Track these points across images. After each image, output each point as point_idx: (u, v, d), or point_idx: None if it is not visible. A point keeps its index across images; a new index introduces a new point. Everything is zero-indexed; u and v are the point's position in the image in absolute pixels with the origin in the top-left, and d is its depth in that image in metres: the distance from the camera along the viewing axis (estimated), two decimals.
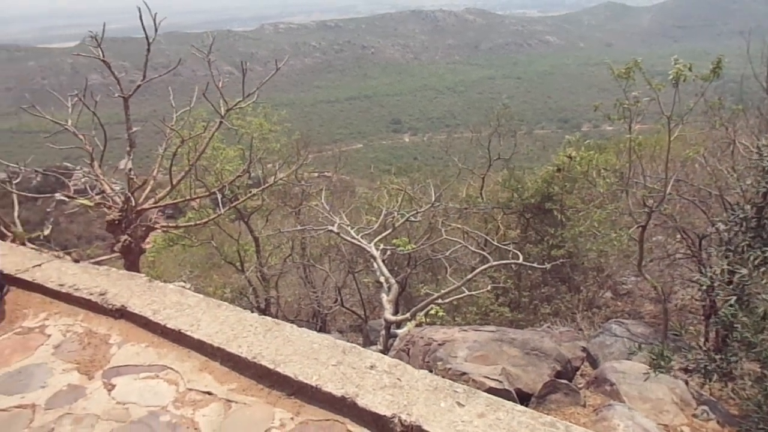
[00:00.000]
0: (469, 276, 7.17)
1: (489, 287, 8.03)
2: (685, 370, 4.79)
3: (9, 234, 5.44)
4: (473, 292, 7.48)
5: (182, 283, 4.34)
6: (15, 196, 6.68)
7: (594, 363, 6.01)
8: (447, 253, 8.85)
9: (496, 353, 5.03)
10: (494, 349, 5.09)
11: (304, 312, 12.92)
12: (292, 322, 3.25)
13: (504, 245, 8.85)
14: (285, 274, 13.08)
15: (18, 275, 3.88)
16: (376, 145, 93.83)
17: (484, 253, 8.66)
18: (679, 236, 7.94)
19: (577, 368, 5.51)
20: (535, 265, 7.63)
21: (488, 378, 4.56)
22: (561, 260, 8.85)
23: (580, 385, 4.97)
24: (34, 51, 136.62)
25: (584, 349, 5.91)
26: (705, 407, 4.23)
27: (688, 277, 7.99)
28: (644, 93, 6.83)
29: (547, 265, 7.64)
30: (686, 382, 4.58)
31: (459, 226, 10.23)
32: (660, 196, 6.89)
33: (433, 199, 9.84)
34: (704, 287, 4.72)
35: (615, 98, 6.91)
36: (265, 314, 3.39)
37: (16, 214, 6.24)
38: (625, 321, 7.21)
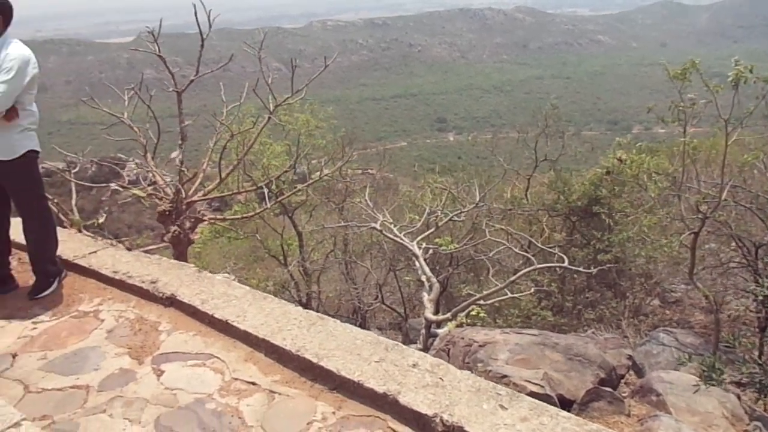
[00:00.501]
0: (513, 278, 7.09)
1: (532, 290, 7.92)
2: (738, 384, 4.62)
3: (67, 221, 5.66)
4: (516, 295, 7.40)
5: (226, 275, 4.43)
6: (73, 185, 6.94)
7: (640, 372, 5.85)
8: (490, 254, 8.77)
9: (538, 357, 4.95)
10: (536, 352, 5.01)
11: (345, 308, 13.01)
12: (333, 317, 3.28)
13: (549, 248, 8.71)
14: (327, 269, 13.20)
15: (75, 261, 4.04)
16: (420, 144, 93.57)
17: (528, 255, 8.55)
18: (733, 244, 7.66)
19: (622, 376, 5.38)
20: (580, 269, 7.49)
21: (529, 382, 4.49)
22: (607, 265, 8.65)
23: (624, 394, 4.85)
24: (92, 46, 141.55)
25: (630, 357, 5.76)
26: (758, 423, 4.07)
27: (743, 286, 7.69)
28: (701, 95, 6.61)
29: (594, 270, 7.49)
30: (738, 397, 4.41)
31: (503, 227, 10.12)
32: (715, 203, 6.66)
33: (477, 200, 9.76)
34: (760, 298, 4.54)
35: (669, 100, 6.70)
36: (306, 308, 3.43)
37: (73, 202, 6.49)
38: (674, 330, 6.99)
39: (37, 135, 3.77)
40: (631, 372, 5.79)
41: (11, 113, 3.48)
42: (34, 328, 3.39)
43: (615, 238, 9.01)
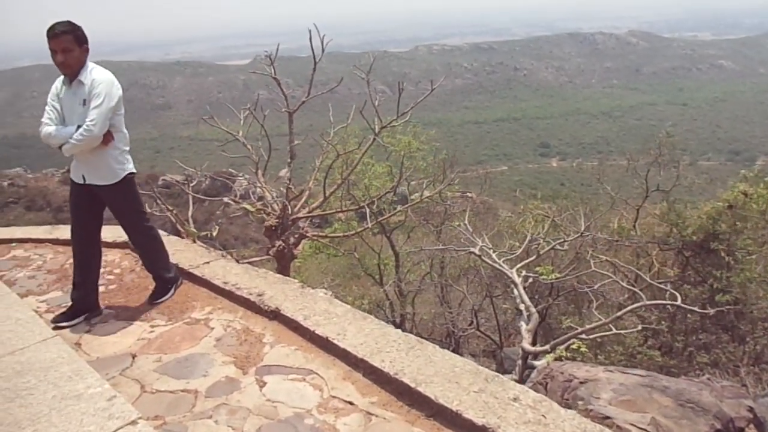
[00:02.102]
0: (619, 313, 6.72)
1: (639, 327, 7.48)
2: None
3: (183, 231, 6.04)
4: (621, 331, 7.01)
5: (324, 290, 4.53)
6: (190, 198, 7.41)
7: (761, 426, 5.32)
8: (594, 287, 8.38)
9: (645, 400, 4.64)
10: (643, 395, 4.70)
11: (438, 331, 12.90)
12: (426, 339, 3.26)
13: (658, 283, 8.20)
14: (422, 291, 13.17)
15: (190, 270, 4.30)
16: (521, 169, 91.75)
17: (635, 290, 8.08)
18: None
19: (741, 430, 4.92)
20: (695, 309, 6.97)
21: (635, 426, 4.22)
22: (726, 306, 8.00)
23: None
24: (213, 67, 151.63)
25: (751, 409, 5.26)
26: None
27: None
28: None
29: (711, 311, 6.95)
30: None
31: (608, 258, 9.65)
32: None
33: (582, 229, 9.39)
34: None
35: None
36: (399, 329, 3.43)
37: (190, 213, 6.92)
38: None
39: (131, 156, 4.02)
40: (752, 426, 5.29)
41: (107, 137, 3.69)
42: (152, 331, 3.63)
43: (736, 278, 8.32)
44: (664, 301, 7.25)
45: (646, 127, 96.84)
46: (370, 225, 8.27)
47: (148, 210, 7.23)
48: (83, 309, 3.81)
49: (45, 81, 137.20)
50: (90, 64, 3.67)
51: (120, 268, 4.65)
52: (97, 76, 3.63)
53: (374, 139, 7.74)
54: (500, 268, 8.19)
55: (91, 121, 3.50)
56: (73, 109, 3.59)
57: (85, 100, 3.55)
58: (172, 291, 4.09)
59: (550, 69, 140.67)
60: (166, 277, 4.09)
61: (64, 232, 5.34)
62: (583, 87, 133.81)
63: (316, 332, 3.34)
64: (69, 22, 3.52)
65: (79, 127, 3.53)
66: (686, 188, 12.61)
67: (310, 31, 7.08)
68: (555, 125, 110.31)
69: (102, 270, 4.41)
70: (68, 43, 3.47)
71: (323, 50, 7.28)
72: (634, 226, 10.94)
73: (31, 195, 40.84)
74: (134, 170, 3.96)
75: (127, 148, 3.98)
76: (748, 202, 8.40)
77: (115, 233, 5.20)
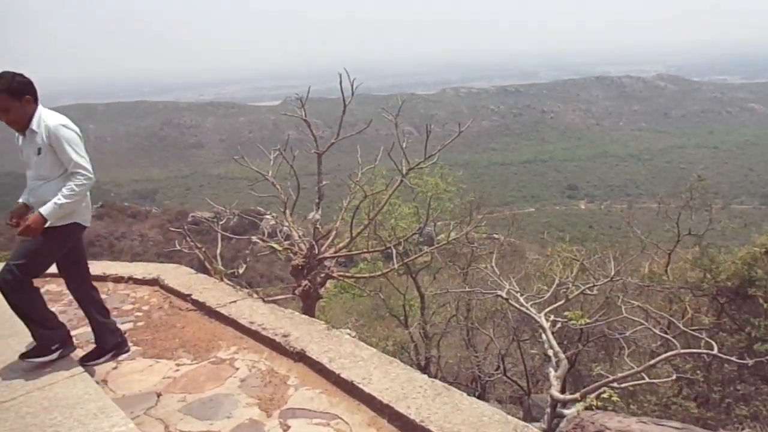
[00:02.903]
0: (651, 362, 6.50)
1: (673, 377, 7.21)
2: None
3: (211, 269, 6.10)
4: (654, 380, 6.78)
5: (348, 331, 4.50)
6: (219, 235, 7.50)
7: None
8: (626, 333, 8.16)
9: None
10: None
11: (464, 376, 12.64)
12: (451, 384, 3.18)
13: (693, 331, 7.95)
14: (448, 334, 12.98)
15: (218, 309, 4.31)
16: (549, 210, 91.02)
17: (668, 338, 7.84)
18: None
19: None
20: (732, 358, 6.71)
21: None
22: (766, 357, 7.69)
23: None
24: (244, 108, 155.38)
25: None
26: None
27: None
28: None
29: (749, 361, 6.68)
30: None
31: (640, 304, 9.41)
32: None
33: (612, 273, 9.21)
34: None
35: None
36: (424, 372, 3.37)
37: (218, 250, 6.99)
38: None
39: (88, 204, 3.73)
40: None
41: None
42: (177, 370, 3.63)
43: None
44: (699, 350, 7.01)
45: (676, 170, 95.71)
46: (396, 266, 8.24)
47: (177, 246, 7.36)
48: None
49: (85, 120, 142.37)
50: (40, 111, 3.51)
51: (149, 305, 4.69)
52: (49, 122, 3.44)
53: (401, 180, 7.79)
54: (528, 312, 8.04)
55: (77, 168, 3.42)
56: (31, 158, 3.48)
57: (40, 149, 3.41)
58: (107, 357, 3.76)
59: (578, 112, 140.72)
60: (105, 337, 3.78)
61: (97, 267, 5.43)
62: (611, 130, 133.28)
63: (342, 376, 3.30)
64: (2, 78, 3.35)
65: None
66: (719, 232, 12.32)
67: (340, 75, 7.24)
68: (583, 167, 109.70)
69: (131, 306, 4.46)
70: (4, 102, 3.33)
71: (353, 93, 7.42)
72: (666, 271, 10.71)
73: None
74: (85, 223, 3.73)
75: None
76: None
77: (145, 270, 5.27)
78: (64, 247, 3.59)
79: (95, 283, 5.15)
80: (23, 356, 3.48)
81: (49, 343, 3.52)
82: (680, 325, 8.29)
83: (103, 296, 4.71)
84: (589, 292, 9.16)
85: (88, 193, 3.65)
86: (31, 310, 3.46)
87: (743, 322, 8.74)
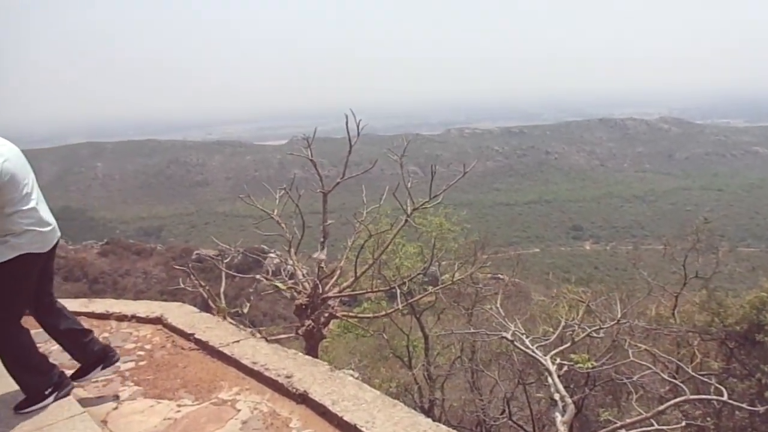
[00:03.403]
0: (661, 407, 6.39)
1: (683, 423, 7.07)
2: None
3: (215, 307, 6.07)
4: (663, 427, 6.63)
5: (351, 372, 4.45)
6: (223, 273, 7.49)
7: None
8: (633, 378, 8.02)
9: None
10: None
11: (468, 419, 12.40)
12: (455, 428, 3.13)
13: (702, 376, 7.81)
14: (452, 376, 12.79)
15: (221, 348, 4.28)
16: (554, 251, 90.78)
17: (677, 383, 7.70)
18: None
19: None
20: (743, 405, 6.59)
21: None
22: None
23: None
24: (251, 147, 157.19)
25: None
26: None
27: None
28: None
29: (760, 408, 6.55)
30: None
31: (647, 348, 9.29)
32: None
33: (619, 315, 9.11)
34: None
35: None
36: (428, 416, 3.31)
37: (222, 289, 6.97)
38: None
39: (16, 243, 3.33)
40: None
41: None
42: (179, 411, 3.58)
43: None
44: (709, 396, 6.91)
45: (682, 212, 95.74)
46: (400, 306, 8.20)
47: (181, 284, 7.35)
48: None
49: (93, 158, 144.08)
50: None
51: (151, 344, 4.66)
52: None
53: (406, 219, 7.82)
54: (533, 354, 7.94)
55: None
56: None
57: None
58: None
59: (582, 153, 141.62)
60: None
61: (100, 305, 5.42)
62: (615, 171, 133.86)
63: (344, 418, 3.25)
64: None
65: None
66: (727, 276, 12.26)
67: (346, 116, 7.36)
68: (587, 208, 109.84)
69: (133, 346, 4.43)
70: None
71: (359, 133, 7.52)
72: (674, 314, 10.60)
73: (69, 266, 41.90)
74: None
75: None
76: None
77: (148, 308, 5.25)
78: (22, 282, 3.38)
79: (98, 321, 5.15)
80: (17, 408, 3.36)
81: (40, 388, 3.42)
82: (689, 370, 8.16)
83: (105, 335, 4.70)
84: (595, 334, 9.04)
85: (38, 220, 3.42)
86: (10, 356, 3.36)
87: (753, 367, 8.61)
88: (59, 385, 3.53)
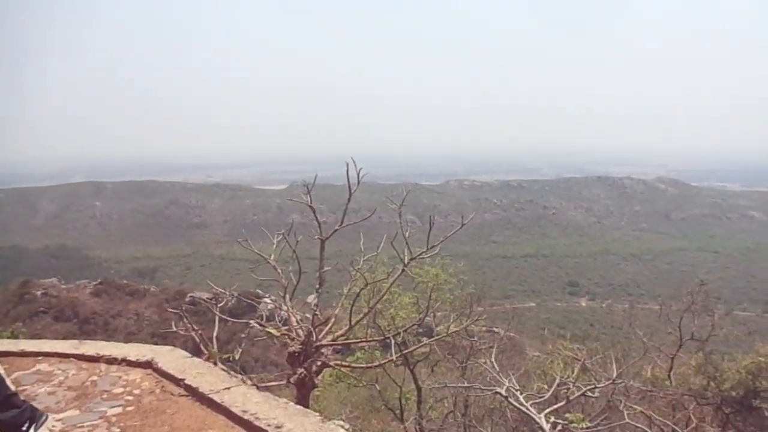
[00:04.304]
0: None
1: None
2: None
3: (206, 352, 6.01)
4: None
5: (342, 423, 4.37)
6: (217, 318, 7.43)
7: None
8: None
9: None
10: None
11: None
12: None
13: None
14: (444, 431, 12.53)
15: (210, 395, 4.22)
16: (549, 306, 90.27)
17: None
18: None
19: None
20: None
21: None
22: None
23: None
24: (251, 191, 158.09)
25: None
26: None
27: None
28: None
29: None
30: None
31: (643, 410, 9.16)
32: None
33: (614, 375, 9.02)
34: None
35: None
36: None
37: (215, 333, 6.90)
38: None
39: None
40: None
41: None
42: None
43: None
44: None
45: (678, 273, 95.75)
46: (394, 357, 8.10)
47: (173, 327, 7.28)
48: None
49: (93, 197, 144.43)
50: None
51: (140, 389, 4.59)
52: None
53: (403, 269, 7.82)
54: (528, 412, 7.82)
55: None
56: None
57: None
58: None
59: (579, 209, 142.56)
60: None
61: (90, 347, 5.37)
62: (612, 228, 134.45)
63: None
64: None
65: None
66: (722, 339, 12.17)
67: (347, 164, 7.45)
68: (584, 264, 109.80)
69: (121, 390, 4.38)
70: None
71: (359, 181, 7.60)
72: (669, 376, 10.49)
73: (61, 305, 41.41)
74: None
75: None
76: None
77: (139, 351, 5.20)
78: None
79: (87, 364, 5.09)
80: None
81: (18, 423, 3.44)
82: None
83: (94, 378, 4.64)
84: (590, 394, 8.93)
85: None
86: None
87: None
88: (34, 419, 3.55)
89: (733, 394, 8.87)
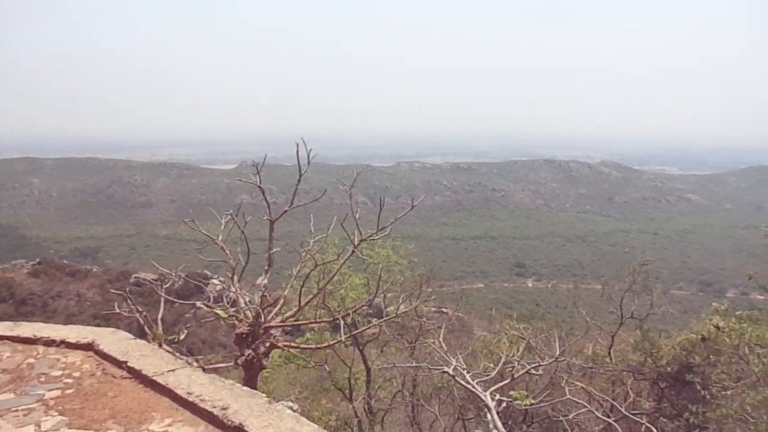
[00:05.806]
0: None
1: None
2: None
3: (150, 334, 5.85)
4: None
5: (290, 404, 4.35)
6: (162, 299, 7.24)
7: None
8: (569, 416, 8.16)
9: None
10: None
11: None
12: None
13: (634, 415, 8.02)
14: (392, 410, 12.68)
15: (154, 377, 4.12)
16: (497, 287, 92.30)
17: (610, 421, 7.88)
18: None
19: None
20: None
21: None
22: None
23: None
24: (198, 170, 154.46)
25: None
26: None
27: None
28: None
29: None
30: None
31: (583, 386, 9.48)
32: None
33: (557, 353, 9.29)
34: None
35: None
36: None
37: (160, 315, 6.72)
38: None
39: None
40: None
41: None
42: None
43: (712, 414, 8.19)
44: None
45: (620, 254, 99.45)
46: (343, 337, 8.10)
47: (116, 308, 7.06)
48: None
49: (29, 173, 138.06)
50: None
51: (80, 372, 4.44)
52: None
53: (353, 250, 7.80)
54: (474, 390, 7.98)
55: None
56: None
57: None
58: None
59: (527, 192, 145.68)
60: None
61: (27, 329, 5.14)
62: (558, 211, 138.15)
63: None
64: None
65: None
66: (660, 317, 12.70)
67: (297, 145, 7.34)
68: (531, 246, 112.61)
69: (60, 373, 4.22)
70: None
71: (309, 162, 7.51)
72: (609, 353, 10.88)
73: None
74: None
75: None
76: (720, 335, 8.45)
77: (79, 333, 5.02)
78: None
79: (23, 346, 4.88)
80: None
81: None
82: (622, 410, 8.37)
83: (30, 360, 4.46)
84: (534, 371, 9.18)
85: None
86: None
87: (682, 407, 8.90)
88: None
89: (669, 369, 9.28)
